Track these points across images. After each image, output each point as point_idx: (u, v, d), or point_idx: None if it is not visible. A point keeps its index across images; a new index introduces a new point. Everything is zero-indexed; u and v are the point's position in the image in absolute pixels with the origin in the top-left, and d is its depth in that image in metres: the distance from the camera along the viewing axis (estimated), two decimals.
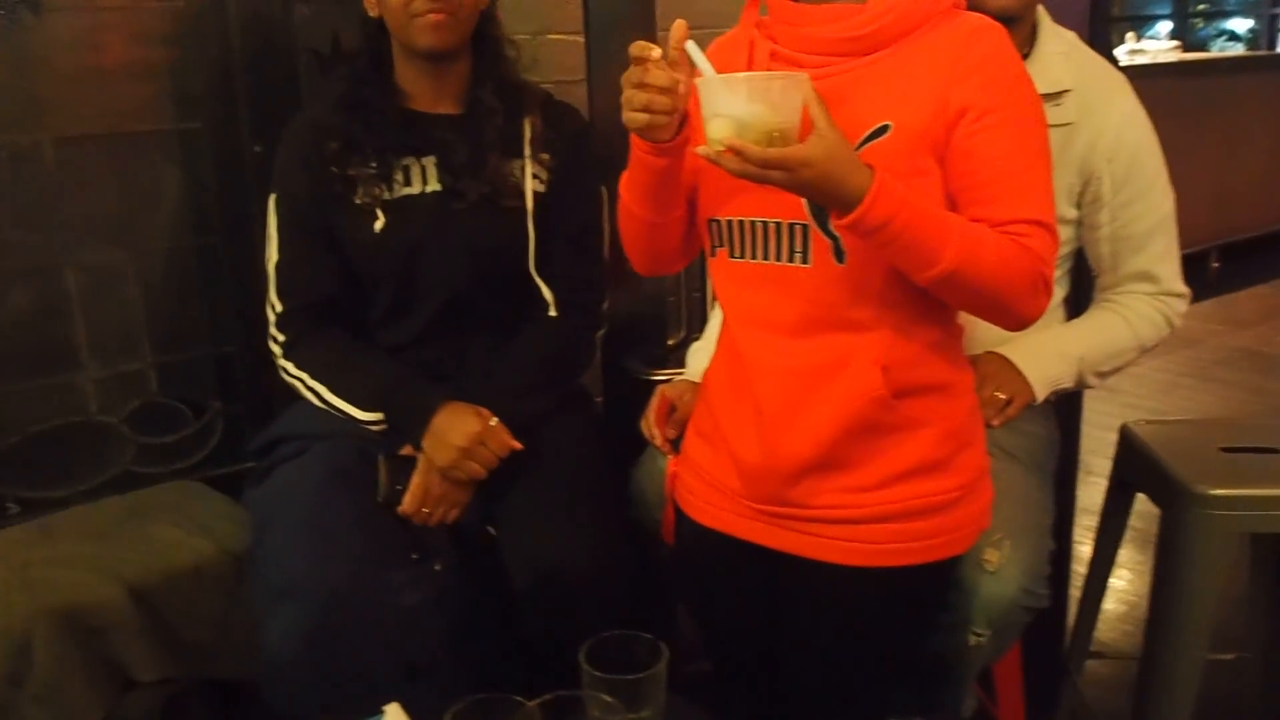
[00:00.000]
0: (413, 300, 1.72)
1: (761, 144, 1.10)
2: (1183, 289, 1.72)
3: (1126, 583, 2.69)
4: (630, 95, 1.19)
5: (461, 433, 1.59)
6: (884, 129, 1.21)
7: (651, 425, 1.70)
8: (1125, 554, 2.05)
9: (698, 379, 1.62)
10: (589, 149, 1.81)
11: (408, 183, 1.69)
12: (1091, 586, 2.02)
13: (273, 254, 1.72)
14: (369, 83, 1.70)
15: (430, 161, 1.70)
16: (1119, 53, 6.61)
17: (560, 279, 1.75)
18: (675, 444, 1.63)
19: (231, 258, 2.06)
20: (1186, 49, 7.65)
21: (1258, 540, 2.04)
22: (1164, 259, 1.70)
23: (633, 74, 1.18)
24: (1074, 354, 1.67)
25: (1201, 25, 9.23)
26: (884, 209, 1.13)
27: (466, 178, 1.68)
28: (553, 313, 1.74)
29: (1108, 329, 1.71)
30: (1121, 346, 1.70)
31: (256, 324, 1.77)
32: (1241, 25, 9.04)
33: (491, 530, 1.67)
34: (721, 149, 1.11)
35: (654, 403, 1.72)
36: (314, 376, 1.68)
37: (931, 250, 1.16)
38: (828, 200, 1.16)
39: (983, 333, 1.45)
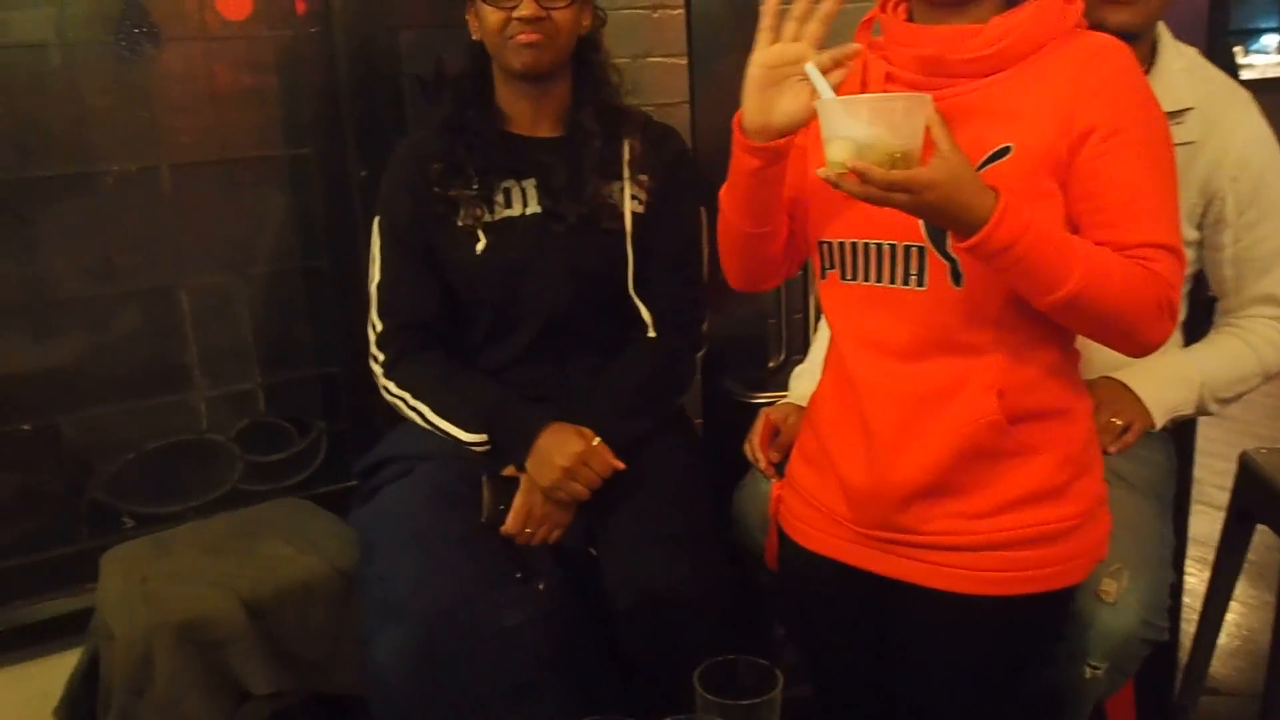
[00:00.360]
0: (513, 322, 1.73)
1: (884, 166, 1.08)
2: None
3: (1240, 617, 2.60)
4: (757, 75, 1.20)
5: (565, 453, 1.60)
6: (1005, 150, 1.19)
7: (756, 448, 1.69)
8: (1240, 588, 2.01)
9: (802, 402, 1.61)
10: (689, 170, 1.81)
11: (508, 205, 1.71)
12: (1207, 621, 1.96)
13: (375, 274, 1.75)
14: (471, 105, 1.72)
15: (530, 184, 1.72)
16: None
17: (660, 300, 1.75)
18: (779, 467, 1.61)
19: (337, 280, 2.09)
20: None
21: None
22: None
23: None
24: (1195, 380, 1.62)
25: None
26: (1009, 232, 1.11)
27: (566, 200, 1.69)
28: (652, 334, 1.75)
29: (1231, 354, 1.66)
30: (1245, 373, 1.65)
31: (360, 345, 1.80)
32: None
33: (593, 551, 1.67)
34: (843, 171, 1.09)
35: (758, 425, 1.71)
36: (416, 396, 1.70)
37: (1055, 274, 1.14)
38: (950, 223, 1.14)
39: (1099, 357, 1.41)
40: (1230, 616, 2.32)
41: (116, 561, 1.65)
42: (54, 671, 1.66)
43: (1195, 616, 2.03)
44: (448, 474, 1.66)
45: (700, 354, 1.83)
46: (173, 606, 1.50)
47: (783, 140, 1.22)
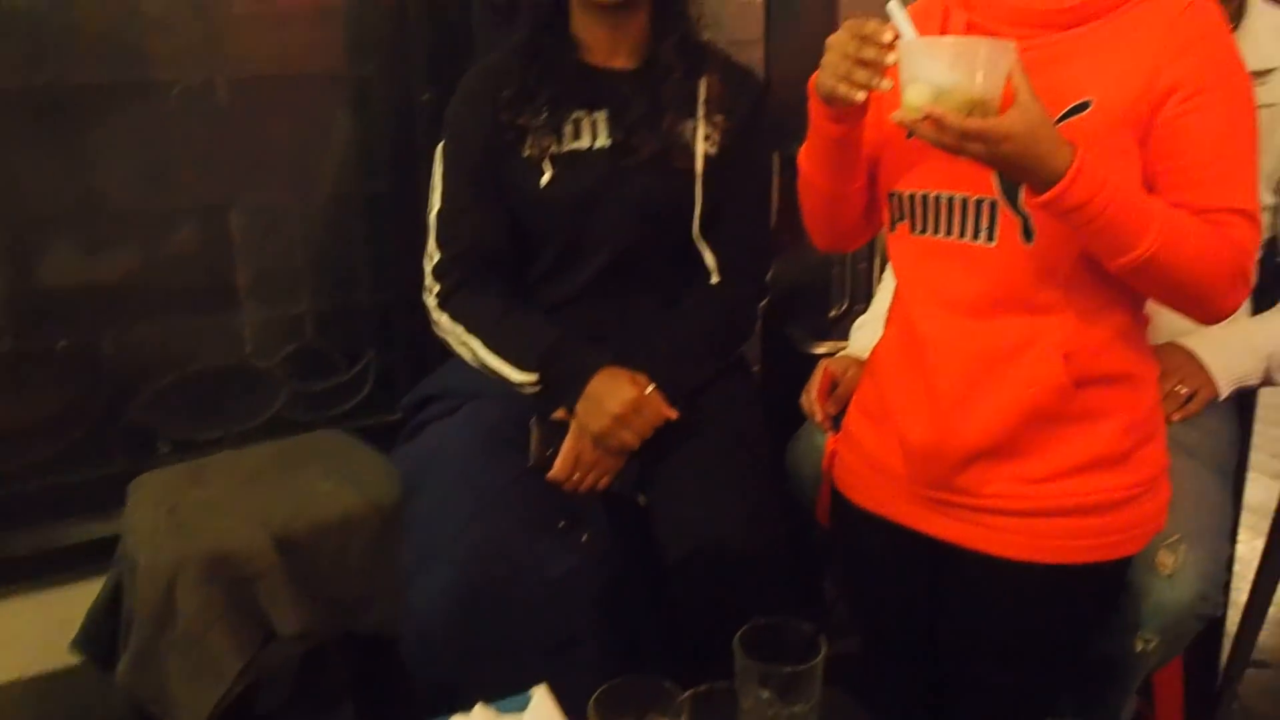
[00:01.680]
0: (576, 258, 1.68)
1: (961, 113, 1.06)
2: None
3: None
4: (835, 61, 1.16)
5: (617, 399, 1.56)
6: (1084, 105, 1.17)
7: (813, 400, 1.68)
8: None
9: (863, 355, 1.58)
10: (764, 114, 1.75)
11: (577, 136, 1.65)
12: (1259, 593, 1.94)
13: (435, 202, 1.71)
14: (547, 31, 1.66)
15: (602, 116, 1.66)
16: None
17: (725, 244, 1.71)
18: (835, 421, 1.59)
19: (398, 206, 2.03)
20: None
21: None
22: None
23: (847, 44, 1.15)
24: (1263, 349, 1.61)
25: None
26: (1084, 189, 1.09)
27: (639, 134, 1.64)
28: (715, 279, 1.70)
29: None
30: None
31: (417, 275, 1.75)
32: None
33: (642, 499, 1.63)
34: (919, 116, 1.08)
35: (816, 377, 1.69)
36: (470, 330, 1.65)
37: (1130, 235, 1.12)
38: (1025, 176, 1.12)
39: (1165, 322, 1.41)
40: None
41: (146, 488, 1.60)
42: (78, 599, 1.62)
43: (1246, 586, 1.98)
44: (495, 415, 1.62)
45: (764, 303, 1.79)
46: (201, 538, 1.45)
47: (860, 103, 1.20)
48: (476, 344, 1.64)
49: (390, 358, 2.12)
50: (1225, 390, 1.57)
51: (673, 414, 1.59)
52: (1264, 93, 1.48)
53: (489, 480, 1.53)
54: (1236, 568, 2.04)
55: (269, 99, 1.97)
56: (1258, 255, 1.60)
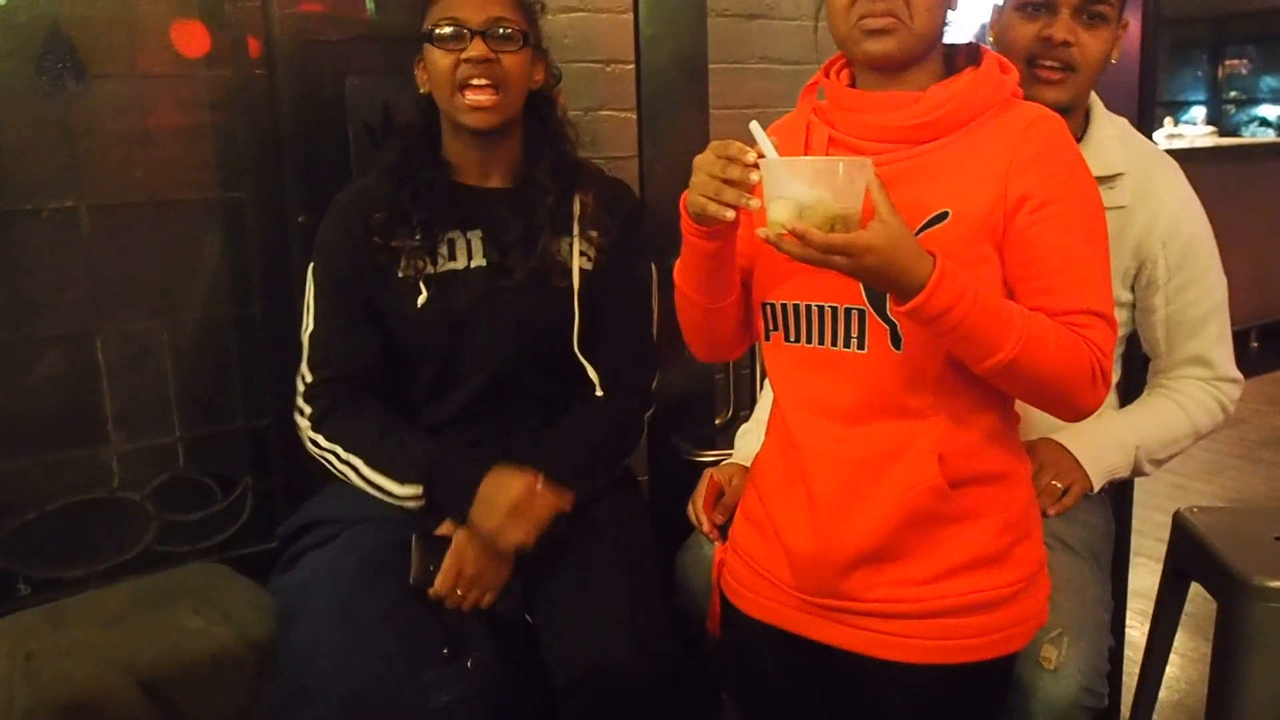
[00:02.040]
0: (455, 378, 1.67)
1: (824, 228, 1.09)
2: (1236, 374, 1.71)
3: (1179, 670, 2.61)
4: (703, 181, 1.19)
5: (508, 494, 1.54)
6: (943, 216, 1.21)
7: (699, 510, 1.68)
8: (1178, 640, 2.03)
9: (747, 462, 1.59)
10: (640, 228, 1.77)
11: (452, 257, 1.66)
12: (1147, 677, 1.99)
13: (309, 324, 1.68)
14: (418, 155, 1.68)
15: (477, 236, 1.67)
16: (1158, 137, 6.68)
17: (608, 358, 1.71)
18: (724, 530, 1.59)
19: (270, 329, 2.01)
20: (1221, 134, 7.75)
21: None
22: (1218, 344, 1.70)
23: (714, 165, 1.18)
24: (1130, 442, 1.65)
25: (1235, 111, 9.34)
26: (946, 296, 1.12)
27: (514, 254, 1.65)
28: (599, 393, 1.70)
29: (1164, 416, 1.70)
30: (1178, 434, 1.69)
31: (293, 397, 1.71)
32: (1272, 112, 9.14)
33: (529, 618, 1.60)
34: (783, 232, 1.10)
35: (701, 487, 1.70)
36: (348, 449, 1.62)
37: (992, 339, 1.15)
38: (889, 286, 1.15)
39: (1038, 418, 1.42)
40: (1171, 670, 2.38)
41: (0, 634, 1.51)
42: None
43: (1138, 670, 2.04)
44: (375, 541, 1.57)
45: (648, 413, 1.79)
46: (59, 687, 1.37)
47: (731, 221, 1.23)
48: (358, 461, 1.60)
49: (268, 483, 2.07)
50: (1098, 483, 1.61)
51: (566, 504, 1.57)
52: (1112, 196, 1.58)
53: (368, 610, 1.47)
54: (1130, 653, 2.14)
55: (136, 223, 1.94)
56: (1117, 352, 1.71)
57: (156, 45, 1.92)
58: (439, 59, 1.60)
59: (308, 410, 1.66)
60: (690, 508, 1.70)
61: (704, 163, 1.19)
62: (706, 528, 1.64)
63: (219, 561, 1.85)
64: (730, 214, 1.18)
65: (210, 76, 1.96)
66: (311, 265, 1.69)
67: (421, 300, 1.62)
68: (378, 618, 1.47)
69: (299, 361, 1.69)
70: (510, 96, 1.62)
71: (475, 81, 1.58)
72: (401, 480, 1.58)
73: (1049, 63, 1.60)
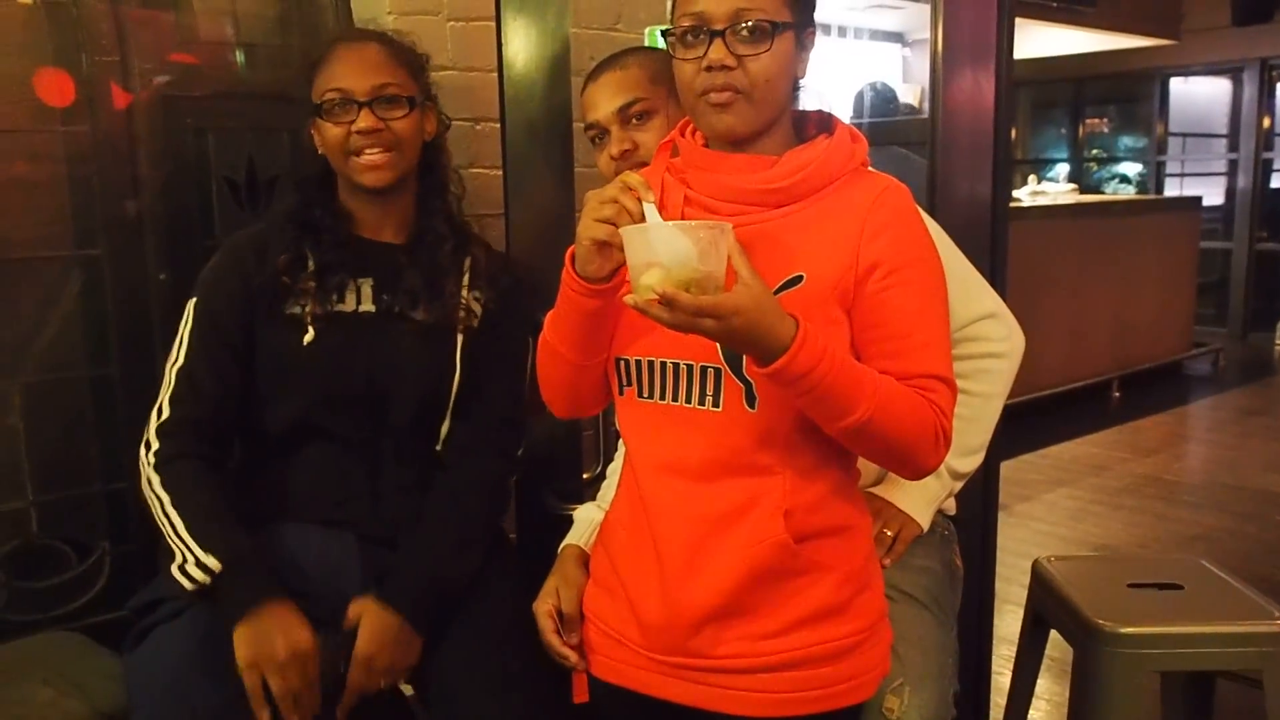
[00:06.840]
0: (325, 423, 1.63)
1: (689, 292, 1.10)
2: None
3: (1043, 714, 2.67)
4: (599, 208, 1.21)
5: (289, 640, 1.42)
6: (798, 279, 1.23)
7: (558, 649, 1.52)
8: (1042, 684, 2.09)
9: (578, 541, 1.59)
10: (523, 294, 1.77)
11: (341, 300, 1.65)
12: None
13: (179, 359, 1.61)
14: (317, 205, 1.68)
15: (367, 283, 1.66)
16: (1021, 194, 6.94)
17: (480, 421, 1.70)
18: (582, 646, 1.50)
19: (130, 389, 1.96)
20: (1083, 191, 8.10)
21: (1167, 678, 2.06)
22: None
23: (606, 192, 1.21)
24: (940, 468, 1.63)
25: (1096, 169, 9.81)
26: (808, 359, 1.14)
27: (403, 305, 1.65)
28: (468, 454, 1.69)
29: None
30: (966, 438, 1.61)
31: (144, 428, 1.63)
32: (1131, 169, 9.62)
33: (406, 690, 1.56)
34: (652, 297, 1.10)
35: (542, 625, 1.54)
36: (174, 503, 1.53)
37: (848, 401, 1.18)
38: (752, 348, 1.16)
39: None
40: (1034, 715, 2.40)
41: None
42: None
43: (1003, 716, 2.06)
44: (217, 622, 1.46)
45: (514, 478, 1.79)
46: None
47: (615, 279, 1.25)
48: (178, 521, 1.51)
49: (126, 549, 2.00)
50: (925, 521, 1.63)
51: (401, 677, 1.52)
52: None
53: (204, 701, 1.39)
54: (996, 698, 2.15)
55: None
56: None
57: (10, 99, 1.89)
58: (329, 130, 1.61)
59: (155, 445, 1.58)
60: (550, 651, 1.53)
61: (597, 194, 1.22)
62: (573, 660, 1.48)
63: (74, 630, 1.78)
64: (626, 220, 1.19)
65: (66, 131, 1.92)
66: (193, 300, 1.64)
67: (308, 338, 1.60)
68: (215, 711, 1.39)
69: (159, 394, 1.61)
70: (405, 155, 1.64)
71: (369, 151, 1.60)
72: (204, 547, 1.48)
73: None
